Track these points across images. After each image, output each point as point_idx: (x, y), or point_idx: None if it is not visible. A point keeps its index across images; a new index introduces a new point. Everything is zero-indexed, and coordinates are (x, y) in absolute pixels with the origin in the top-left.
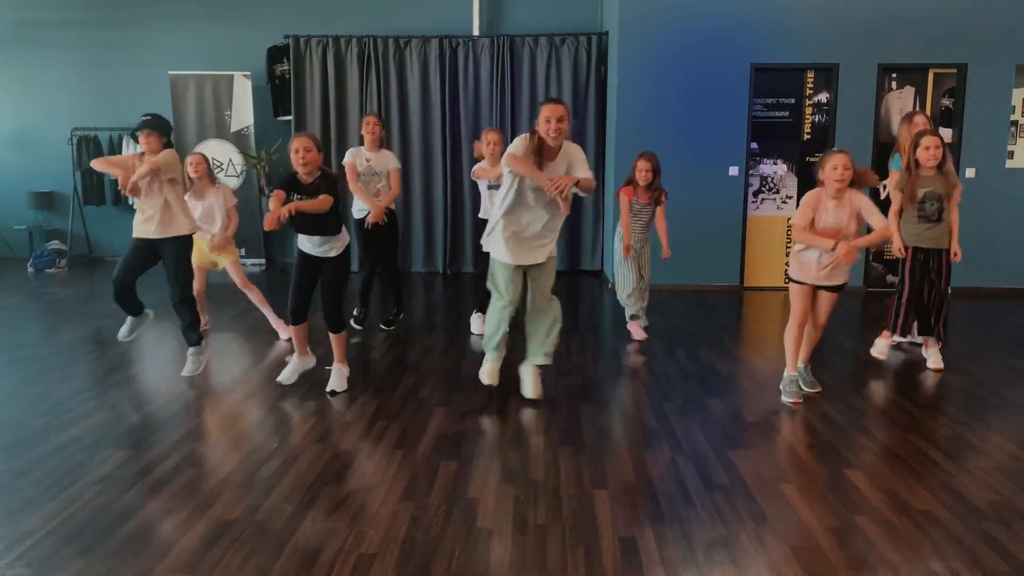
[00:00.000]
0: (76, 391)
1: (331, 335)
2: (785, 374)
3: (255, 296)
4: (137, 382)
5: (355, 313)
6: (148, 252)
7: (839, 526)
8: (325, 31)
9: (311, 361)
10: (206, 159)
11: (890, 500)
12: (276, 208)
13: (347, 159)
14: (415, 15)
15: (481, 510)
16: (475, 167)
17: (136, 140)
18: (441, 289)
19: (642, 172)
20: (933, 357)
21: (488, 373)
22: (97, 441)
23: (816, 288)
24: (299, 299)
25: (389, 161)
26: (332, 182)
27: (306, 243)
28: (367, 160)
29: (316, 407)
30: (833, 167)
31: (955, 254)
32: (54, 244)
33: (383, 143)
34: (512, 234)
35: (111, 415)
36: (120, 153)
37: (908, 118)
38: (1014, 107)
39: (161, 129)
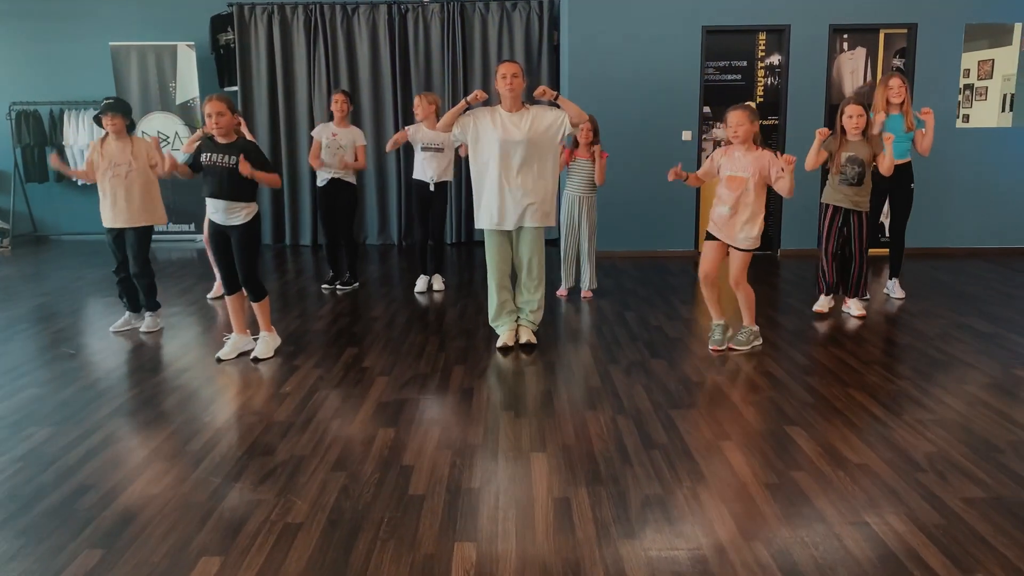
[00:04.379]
0: (7, 369)
1: (252, 304)
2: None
3: None
4: (71, 359)
5: (330, 279)
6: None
7: (775, 482)
8: None
9: (250, 342)
10: None
11: (828, 455)
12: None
13: (314, 133)
14: None
15: (415, 477)
16: (410, 129)
17: (100, 124)
18: (396, 260)
19: (582, 131)
20: (855, 306)
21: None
22: (23, 419)
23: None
24: (223, 268)
25: (357, 137)
26: (258, 151)
27: (213, 211)
28: (333, 135)
29: (254, 379)
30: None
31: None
32: None
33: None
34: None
35: (39, 392)
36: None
37: (884, 80)
38: (968, 70)
39: (124, 111)
